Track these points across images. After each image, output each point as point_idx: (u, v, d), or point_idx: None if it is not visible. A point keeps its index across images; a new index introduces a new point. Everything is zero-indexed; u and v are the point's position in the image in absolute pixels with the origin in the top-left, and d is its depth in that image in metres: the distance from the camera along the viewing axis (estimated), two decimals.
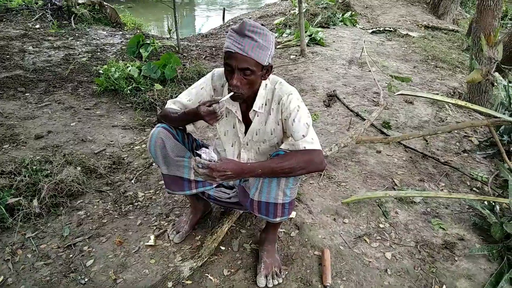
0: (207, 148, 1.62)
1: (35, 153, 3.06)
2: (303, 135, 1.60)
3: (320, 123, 3.45)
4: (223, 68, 1.62)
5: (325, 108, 3.72)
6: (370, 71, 4.58)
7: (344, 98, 3.94)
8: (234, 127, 1.81)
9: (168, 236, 2.18)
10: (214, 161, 1.47)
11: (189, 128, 1.86)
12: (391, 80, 4.29)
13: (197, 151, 1.53)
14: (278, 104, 1.68)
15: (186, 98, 1.80)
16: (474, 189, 2.73)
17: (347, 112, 3.66)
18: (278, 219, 1.74)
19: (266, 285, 1.84)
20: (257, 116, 1.74)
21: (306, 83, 4.33)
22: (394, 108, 3.80)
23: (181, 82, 4.33)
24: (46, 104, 3.94)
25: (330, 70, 4.78)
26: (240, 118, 1.76)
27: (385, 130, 3.32)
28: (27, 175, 2.56)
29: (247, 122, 1.79)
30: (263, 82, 1.67)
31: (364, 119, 3.42)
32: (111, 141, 3.30)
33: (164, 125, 1.78)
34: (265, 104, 1.71)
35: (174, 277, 1.76)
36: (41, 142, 3.25)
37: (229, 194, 1.97)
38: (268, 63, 1.55)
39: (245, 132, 1.81)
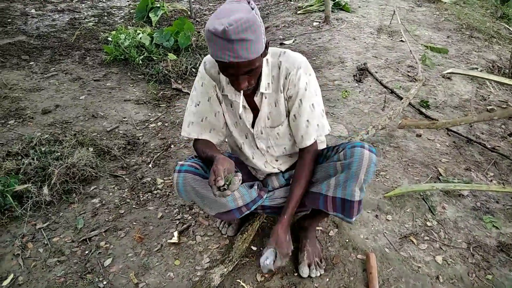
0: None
1: (43, 130, 2.82)
2: (307, 120, 1.50)
3: (351, 101, 3.15)
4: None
5: (356, 84, 3.40)
6: (402, 41, 4.21)
7: (376, 72, 3.60)
8: (241, 118, 1.56)
9: (220, 230, 1.97)
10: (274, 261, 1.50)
11: (215, 141, 1.64)
12: (426, 51, 3.93)
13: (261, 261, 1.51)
14: (286, 79, 1.45)
15: (193, 108, 1.56)
16: None
17: (380, 89, 3.34)
18: (353, 219, 1.55)
19: (309, 275, 1.71)
20: (265, 98, 1.50)
21: (333, 55, 3.98)
22: (431, 84, 3.47)
23: (196, 52, 4.00)
24: (52, 74, 3.66)
25: (358, 39, 4.40)
26: (246, 104, 1.52)
27: (423, 110, 3.02)
28: (35, 158, 2.33)
29: (253, 108, 1.55)
30: (263, 59, 1.42)
31: (400, 97, 3.12)
32: (124, 118, 3.04)
33: (186, 167, 1.51)
34: (272, 83, 1.48)
35: (203, 286, 1.55)
36: (49, 117, 3.00)
37: (286, 197, 1.71)
38: (264, 45, 1.30)
39: (253, 121, 1.57)
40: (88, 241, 1.94)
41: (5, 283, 1.73)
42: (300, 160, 1.60)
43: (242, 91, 1.38)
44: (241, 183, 1.69)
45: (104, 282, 1.72)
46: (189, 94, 3.39)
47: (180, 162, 1.54)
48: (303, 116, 1.49)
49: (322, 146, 1.81)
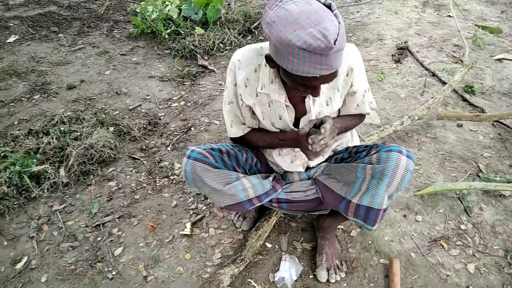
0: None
1: (66, 106, 2.80)
2: (368, 102, 1.47)
3: (387, 84, 2.90)
4: (248, 49, 1.34)
5: (394, 65, 3.13)
6: (450, 16, 3.83)
7: (418, 51, 3.30)
8: (280, 118, 1.39)
9: (234, 224, 1.89)
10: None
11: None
12: (476, 30, 3.55)
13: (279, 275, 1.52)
14: (348, 76, 1.30)
15: (228, 107, 1.47)
16: None
17: (421, 71, 3.06)
18: (375, 227, 1.43)
19: (328, 279, 1.61)
20: (318, 97, 1.32)
21: (371, 31, 3.69)
22: (478, 67, 3.14)
23: (225, 26, 3.82)
24: (80, 47, 3.62)
25: (400, 14, 4.04)
26: (289, 103, 1.35)
27: (467, 96, 2.74)
28: (54, 137, 2.31)
29: (297, 108, 1.38)
30: None
31: (442, 81, 2.84)
32: (147, 96, 2.96)
33: (195, 154, 1.38)
34: None
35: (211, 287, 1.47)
36: (73, 93, 2.98)
37: (305, 190, 1.57)
38: None
39: (295, 120, 1.41)
40: (101, 227, 1.91)
41: (19, 265, 1.74)
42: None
43: (311, 101, 1.31)
44: (257, 173, 1.57)
45: (114, 273, 1.69)
46: (214, 72, 3.27)
47: (191, 147, 1.41)
48: (366, 102, 1.46)
49: (355, 141, 1.65)
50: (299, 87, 1.15)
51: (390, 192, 1.31)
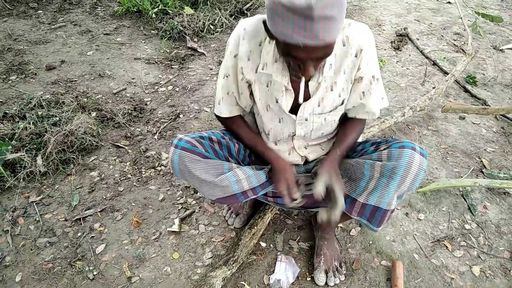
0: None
1: (45, 89, 2.60)
2: (376, 95, 1.26)
3: (387, 72, 2.78)
4: (256, 19, 1.18)
5: (394, 52, 3.00)
6: (449, 2, 3.70)
7: (418, 39, 3.17)
8: (277, 102, 1.25)
9: (226, 220, 1.75)
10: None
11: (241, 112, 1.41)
12: (476, 18, 3.43)
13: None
14: (356, 57, 1.15)
15: (222, 81, 1.31)
16: None
17: (421, 59, 2.94)
18: (380, 228, 1.32)
19: (326, 282, 1.51)
20: (324, 81, 1.18)
21: (369, 16, 3.54)
22: (479, 57, 3.04)
23: (216, 6, 3.62)
24: (60, 25, 3.39)
25: None
26: (290, 87, 1.20)
27: (469, 87, 2.63)
28: (31, 122, 2.13)
29: (298, 93, 1.23)
30: None
31: (444, 70, 2.72)
32: (133, 79, 2.78)
33: (183, 143, 1.25)
34: (334, 63, 1.17)
35: None
36: (53, 74, 2.77)
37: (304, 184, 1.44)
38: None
39: (292, 105, 1.26)
40: (82, 221, 1.76)
41: None
42: (350, 124, 1.36)
43: (303, 82, 1.11)
44: (251, 165, 1.44)
45: (95, 272, 1.55)
46: (204, 55, 3.09)
47: (179, 136, 1.27)
48: (373, 94, 1.26)
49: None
50: (290, 61, 1.04)
51: (401, 192, 1.19)
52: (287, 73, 1.16)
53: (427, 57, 2.93)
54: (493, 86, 2.73)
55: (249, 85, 1.26)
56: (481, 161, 2.12)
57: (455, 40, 3.22)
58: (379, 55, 2.96)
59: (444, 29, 3.38)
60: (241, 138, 1.38)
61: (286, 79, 1.17)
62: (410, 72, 2.79)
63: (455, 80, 2.64)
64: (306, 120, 1.28)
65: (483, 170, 2.07)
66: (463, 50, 2.91)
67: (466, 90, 2.62)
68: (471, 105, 2.27)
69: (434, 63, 2.86)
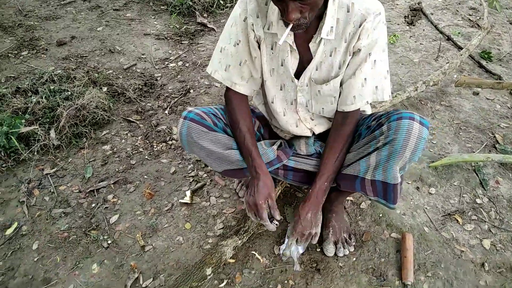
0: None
1: (56, 64, 2.62)
2: (365, 78, 1.17)
3: (400, 47, 2.73)
4: None
5: (407, 27, 2.93)
6: None
7: (432, 13, 3.10)
8: (282, 64, 1.23)
9: (237, 193, 1.77)
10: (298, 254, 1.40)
11: (248, 92, 1.33)
12: None
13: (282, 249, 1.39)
14: (359, 27, 1.11)
15: (232, 48, 1.25)
16: None
17: (435, 34, 2.88)
18: (396, 204, 1.32)
19: (335, 253, 1.53)
20: (323, 45, 1.16)
21: None
22: (495, 32, 2.96)
23: None
24: (70, 1, 3.38)
25: None
26: (294, 46, 1.18)
27: (484, 63, 2.58)
28: (43, 96, 2.15)
29: (302, 55, 1.22)
30: None
31: (458, 46, 2.67)
32: (143, 54, 2.77)
33: (192, 115, 1.26)
34: (335, 27, 1.13)
35: (214, 261, 1.37)
36: (64, 50, 2.78)
37: (315, 163, 1.43)
38: None
39: (298, 68, 1.24)
40: (96, 192, 1.80)
41: (8, 231, 1.64)
42: (338, 126, 1.29)
43: (289, 27, 1.05)
44: (261, 139, 1.45)
45: (109, 241, 1.59)
46: (214, 30, 3.06)
47: (189, 108, 1.29)
48: (364, 73, 1.17)
49: (367, 110, 1.49)
50: (278, 6, 1.01)
51: (403, 163, 1.17)
52: (292, 32, 1.12)
53: (441, 32, 2.87)
54: (508, 61, 2.66)
55: (259, 46, 1.24)
56: (495, 136, 2.10)
57: (470, 15, 3.14)
58: (393, 30, 2.90)
59: (459, 3, 3.29)
60: (233, 129, 1.33)
61: (290, 38, 1.16)
62: (424, 47, 2.74)
63: (470, 55, 2.58)
64: (306, 85, 1.27)
65: (496, 146, 2.05)
66: (478, 25, 2.84)
67: (481, 66, 2.56)
68: (485, 79, 2.23)
69: (449, 38, 2.79)
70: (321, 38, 1.14)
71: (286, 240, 1.47)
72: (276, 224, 1.31)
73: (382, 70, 1.19)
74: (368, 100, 1.21)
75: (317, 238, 1.34)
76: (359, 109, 1.26)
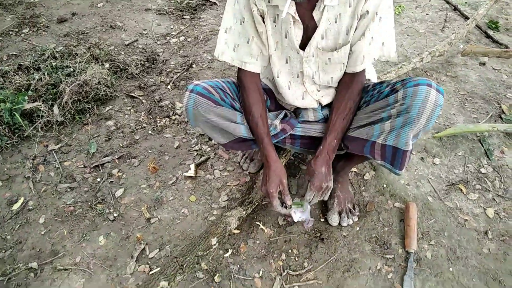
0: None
1: (57, 40, 2.60)
2: (372, 37, 1.16)
3: (405, 18, 2.67)
4: None
5: None
6: None
7: None
8: (286, 36, 1.21)
9: (241, 166, 1.78)
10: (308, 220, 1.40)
11: (259, 70, 1.31)
12: None
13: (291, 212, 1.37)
14: None
15: (238, 27, 1.23)
16: None
17: (441, 4, 2.81)
18: (402, 171, 1.32)
19: (339, 223, 1.54)
20: (327, 11, 1.13)
21: None
22: (503, 1, 2.89)
23: None
24: None
25: None
26: (297, 16, 1.16)
27: (491, 33, 2.52)
28: (46, 73, 2.14)
29: (306, 25, 1.19)
30: None
31: (465, 16, 2.61)
32: (144, 30, 2.74)
33: (199, 88, 1.25)
34: None
35: (219, 231, 1.38)
36: (65, 26, 2.76)
37: (321, 124, 1.43)
38: None
39: (303, 39, 1.22)
40: (100, 167, 1.81)
41: (15, 206, 1.66)
42: (347, 86, 1.28)
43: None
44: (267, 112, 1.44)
45: (115, 214, 1.61)
46: (216, 4, 3.01)
47: (196, 82, 1.28)
48: (371, 31, 1.16)
49: (373, 78, 1.47)
50: None
51: (417, 130, 1.17)
52: (294, 2, 1.11)
53: (447, 2, 2.80)
54: None
55: (263, 20, 1.22)
56: (500, 107, 2.07)
57: None
58: (398, 1, 2.84)
59: None
60: (244, 107, 1.33)
61: (293, 9, 1.13)
62: (430, 17, 2.68)
63: (477, 25, 2.53)
64: (313, 56, 1.24)
65: (502, 116, 2.03)
66: None
67: (488, 36, 2.51)
68: (492, 48, 2.18)
69: (455, 8, 2.73)
70: (325, 5, 1.12)
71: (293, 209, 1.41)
72: (288, 209, 1.34)
73: (388, 27, 1.19)
74: (375, 56, 1.21)
75: (329, 193, 1.38)
76: (364, 71, 1.26)
